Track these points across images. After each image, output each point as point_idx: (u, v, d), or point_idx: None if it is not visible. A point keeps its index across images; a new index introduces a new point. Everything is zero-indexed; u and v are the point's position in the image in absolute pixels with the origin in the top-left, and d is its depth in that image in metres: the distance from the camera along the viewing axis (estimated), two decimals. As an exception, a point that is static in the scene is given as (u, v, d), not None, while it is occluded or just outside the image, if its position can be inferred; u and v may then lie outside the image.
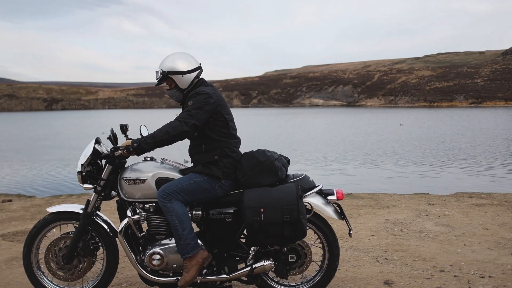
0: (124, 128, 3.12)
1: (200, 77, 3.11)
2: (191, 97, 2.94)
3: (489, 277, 3.52)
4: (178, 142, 2.96)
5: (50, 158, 17.52)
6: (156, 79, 3.04)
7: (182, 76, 2.99)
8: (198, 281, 2.94)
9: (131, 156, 2.94)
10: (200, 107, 2.87)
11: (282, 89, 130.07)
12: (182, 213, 2.85)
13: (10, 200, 7.64)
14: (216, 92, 3.01)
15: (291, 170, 3.18)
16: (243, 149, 3.18)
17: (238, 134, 3.16)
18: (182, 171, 3.05)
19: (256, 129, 33.90)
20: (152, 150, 2.91)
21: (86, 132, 33.41)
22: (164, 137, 2.84)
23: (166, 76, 3.01)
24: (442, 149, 17.89)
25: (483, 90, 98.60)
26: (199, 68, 3.08)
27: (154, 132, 2.88)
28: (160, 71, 3.01)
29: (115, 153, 2.84)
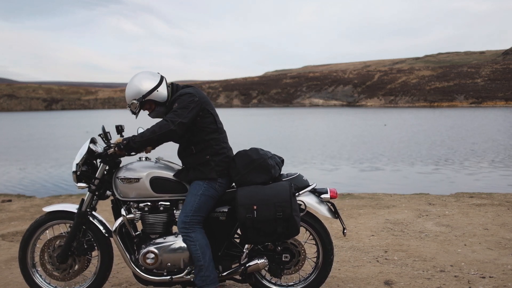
0: (120, 129, 3.11)
1: (169, 82, 3.07)
2: (175, 100, 2.92)
3: (490, 277, 3.50)
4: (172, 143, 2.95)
5: (40, 158, 17.51)
6: (135, 111, 2.94)
7: (157, 91, 2.94)
8: (192, 279, 2.94)
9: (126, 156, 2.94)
10: (185, 106, 2.85)
11: (282, 89, 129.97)
12: (205, 244, 2.86)
13: (10, 200, 7.65)
14: (198, 90, 3.00)
15: (285, 170, 3.17)
16: (238, 149, 3.16)
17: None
18: (176, 175, 3.01)
19: (251, 128, 33.88)
20: (142, 148, 2.90)
21: (67, 133, 33.38)
22: (151, 136, 2.81)
23: (143, 102, 2.94)
24: (425, 149, 17.88)
25: (483, 90, 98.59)
26: (162, 76, 3.03)
27: (144, 131, 2.88)
28: (134, 102, 2.91)
29: (108, 151, 2.85)
